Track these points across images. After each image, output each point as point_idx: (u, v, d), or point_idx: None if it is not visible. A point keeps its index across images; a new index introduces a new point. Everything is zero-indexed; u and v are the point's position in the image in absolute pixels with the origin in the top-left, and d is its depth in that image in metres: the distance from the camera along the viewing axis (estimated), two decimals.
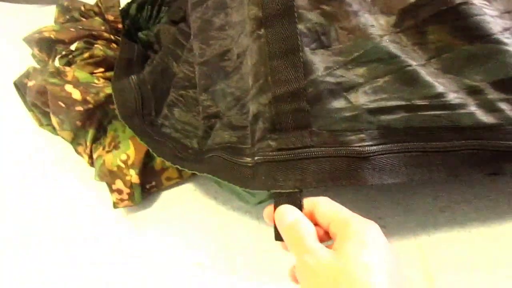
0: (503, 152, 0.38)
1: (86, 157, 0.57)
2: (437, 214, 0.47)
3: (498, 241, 0.44)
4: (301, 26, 0.38)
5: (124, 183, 0.52)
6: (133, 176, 0.52)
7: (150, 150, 0.51)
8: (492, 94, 0.37)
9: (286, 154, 0.38)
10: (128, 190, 0.52)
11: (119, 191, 0.52)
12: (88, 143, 0.56)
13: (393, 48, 0.37)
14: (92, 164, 0.57)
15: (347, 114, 0.38)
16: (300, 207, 0.37)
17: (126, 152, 0.52)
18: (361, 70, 0.38)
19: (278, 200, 0.38)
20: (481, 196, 0.48)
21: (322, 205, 0.35)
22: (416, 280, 0.43)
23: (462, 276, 0.43)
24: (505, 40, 0.36)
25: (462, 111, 0.37)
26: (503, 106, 0.37)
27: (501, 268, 0.43)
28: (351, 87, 0.38)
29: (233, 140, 0.44)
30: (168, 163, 0.50)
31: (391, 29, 0.37)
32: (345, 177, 0.38)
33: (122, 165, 0.52)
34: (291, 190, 0.38)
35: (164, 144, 0.51)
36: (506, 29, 0.37)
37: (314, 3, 0.37)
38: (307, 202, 0.37)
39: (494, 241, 0.44)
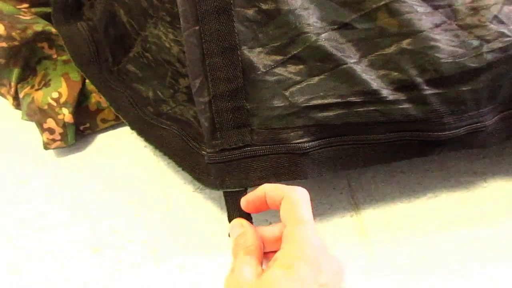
0: (432, 141, 0.40)
1: (11, 99, 0.54)
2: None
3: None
4: (238, 24, 0.37)
5: (56, 122, 0.49)
6: (66, 114, 0.49)
7: (108, 103, 0.49)
8: (423, 89, 0.38)
9: (229, 154, 0.39)
10: (60, 130, 0.50)
11: (51, 131, 0.50)
12: (12, 83, 0.53)
13: (329, 47, 0.38)
14: (17, 106, 0.54)
15: (286, 112, 0.38)
16: None
17: (58, 90, 0.50)
18: (298, 68, 0.38)
19: (229, 199, 0.40)
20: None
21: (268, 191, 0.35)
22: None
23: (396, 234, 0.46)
24: (436, 37, 0.38)
25: (395, 106, 0.39)
26: (432, 100, 0.39)
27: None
28: (289, 86, 0.38)
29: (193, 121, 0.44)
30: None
31: (327, 27, 0.38)
32: (286, 173, 0.39)
33: (54, 103, 0.50)
34: (237, 189, 0.39)
35: (121, 95, 0.49)
36: (437, 26, 0.38)
37: (251, 1, 0.37)
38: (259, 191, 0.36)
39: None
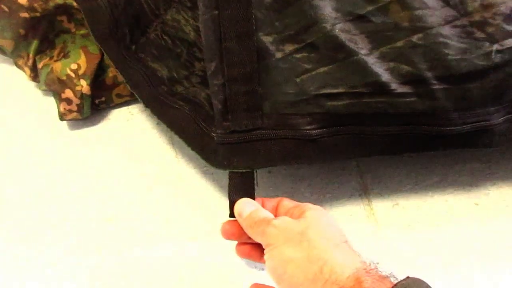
0: (437, 136, 0.41)
1: (28, 70, 0.55)
2: None
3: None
4: (255, 11, 0.39)
5: (74, 93, 0.51)
6: (84, 86, 0.51)
7: (124, 80, 0.50)
8: (431, 84, 0.40)
9: (238, 136, 0.41)
10: (78, 101, 0.51)
11: (68, 101, 0.51)
12: (31, 55, 0.54)
13: (343, 37, 0.39)
14: (33, 78, 0.56)
15: (296, 98, 0.40)
16: (253, 185, 0.41)
17: (77, 61, 0.52)
18: (310, 57, 0.39)
19: (233, 178, 0.41)
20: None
21: (285, 201, 0.40)
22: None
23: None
24: (446, 33, 0.39)
25: (402, 99, 0.40)
26: (439, 95, 0.40)
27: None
28: (301, 73, 0.40)
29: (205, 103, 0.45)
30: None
31: (342, 17, 0.39)
32: (293, 157, 0.41)
33: (72, 74, 0.51)
34: (244, 170, 0.41)
35: (137, 73, 0.50)
36: (448, 22, 0.39)
37: None
38: (274, 200, 0.41)
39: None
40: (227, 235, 0.40)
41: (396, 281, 0.30)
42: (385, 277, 0.31)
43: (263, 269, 0.44)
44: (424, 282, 0.30)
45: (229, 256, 0.44)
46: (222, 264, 0.45)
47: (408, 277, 0.30)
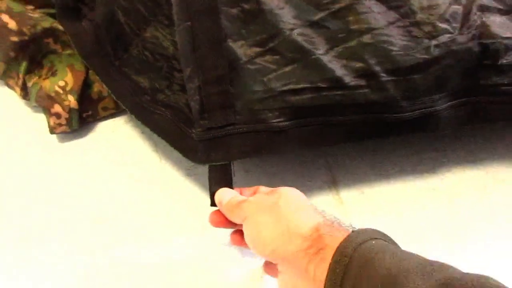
0: (390, 123, 0.47)
1: (18, 89, 0.59)
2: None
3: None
4: (224, 21, 0.44)
5: (63, 107, 0.55)
6: (72, 101, 0.55)
7: (108, 91, 0.55)
8: (381, 77, 0.45)
9: (214, 132, 0.45)
10: (66, 115, 0.55)
11: (57, 115, 0.55)
12: (21, 75, 0.58)
13: (301, 40, 0.44)
14: (24, 96, 0.60)
15: (264, 95, 0.45)
16: (231, 176, 0.46)
17: (64, 78, 0.56)
18: (274, 59, 0.45)
19: (212, 171, 0.46)
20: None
21: (262, 188, 0.44)
22: None
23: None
24: (390, 33, 0.45)
25: (356, 91, 0.45)
26: (389, 86, 0.45)
27: None
28: (267, 73, 0.45)
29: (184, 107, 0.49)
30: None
31: (300, 23, 0.45)
32: (264, 148, 0.46)
33: (60, 91, 0.56)
34: (222, 163, 0.45)
35: (121, 85, 0.55)
36: (391, 23, 0.45)
37: (234, 1, 0.44)
38: (251, 188, 0.45)
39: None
40: (216, 223, 0.44)
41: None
42: (346, 229, 0.35)
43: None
44: (380, 231, 0.35)
45: (213, 248, 0.49)
46: (208, 256, 0.49)
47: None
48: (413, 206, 0.53)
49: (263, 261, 0.45)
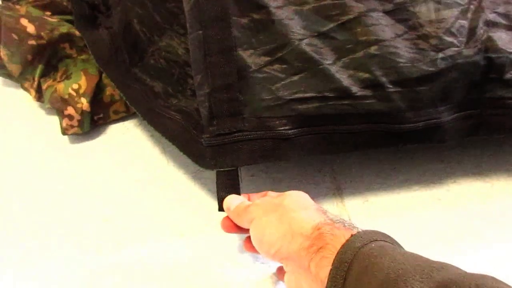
0: (395, 133, 0.48)
1: (33, 92, 0.61)
2: None
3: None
4: (234, 30, 0.45)
5: (75, 109, 0.57)
6: (84, 104, 0.57)
7: (122, 96, 0.56)
8: (387, 88, 0.46)
9: (223, 138, 0.46)
10: (79, 117, 0.57)
11: (70, 117, 0.57)
12: (36, 78, 0.60)
13: (309, 50, 0.45)
14: (38, 98, 0.62)
15: (272, 103, 0.46)
16: (238, 182, 0.47)
17: (78, 82, 0.58)
18: (283, 68, 0.46)
19: (220, 177, 0.47)
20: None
21: (270, 193, 0.45)
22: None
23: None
24: (397, 45, 0.46)
25: (362, 101, 0.46)
26: (394, 97, 0.46)
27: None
28: (275, 82, 0.46)
29: (195, 112, 0.50)
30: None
31: (308, 34, 0.46)
32: (271, 155, 0.47)
33: (74, 94, 0.57)
34: (229, 169, 0.47)
35: (136, 90, 0.56)
36: (398, 36, 0.46)
37: (244, 12, 0.45)
38: (259, 194, 0.46)
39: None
40: (226, 228, 0.45)
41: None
42: (348, 227, 0.35)
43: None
44: (381, 232, 0.35)
45: (217, 250, 0.49)
46: (213, 258, 0.49)
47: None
48: (418, 215, 0.53)
49: (275, 267, 0.46)
